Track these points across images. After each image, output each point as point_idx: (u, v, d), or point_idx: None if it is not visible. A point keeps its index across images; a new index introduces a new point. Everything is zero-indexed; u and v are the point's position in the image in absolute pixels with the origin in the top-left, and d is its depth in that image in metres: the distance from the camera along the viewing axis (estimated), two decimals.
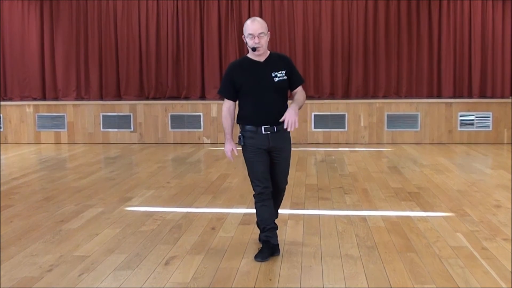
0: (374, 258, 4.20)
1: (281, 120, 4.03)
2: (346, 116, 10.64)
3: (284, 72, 4.15)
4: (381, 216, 5.38)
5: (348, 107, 10.66)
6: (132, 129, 11.05)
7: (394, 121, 10.56)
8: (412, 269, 3.96)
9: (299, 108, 4.14)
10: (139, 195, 6.41)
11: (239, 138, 4.23)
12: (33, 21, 11.82)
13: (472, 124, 10.45)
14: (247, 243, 4.59)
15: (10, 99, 11.85)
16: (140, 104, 11.06)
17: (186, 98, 11.53)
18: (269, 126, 4.12)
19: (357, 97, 11.13)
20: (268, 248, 4.24)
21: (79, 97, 11.81)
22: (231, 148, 4.29)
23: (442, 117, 10.50)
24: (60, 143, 11.13)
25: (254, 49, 4.09)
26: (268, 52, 4.22)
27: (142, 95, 11.72)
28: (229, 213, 5.56)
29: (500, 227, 4.97)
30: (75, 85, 11.81)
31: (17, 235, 4.89)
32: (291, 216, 5.41)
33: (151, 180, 7.31)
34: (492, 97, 10.86)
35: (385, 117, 10.58)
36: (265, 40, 4.09)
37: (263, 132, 4.13)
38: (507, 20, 10.85)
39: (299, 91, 4.28)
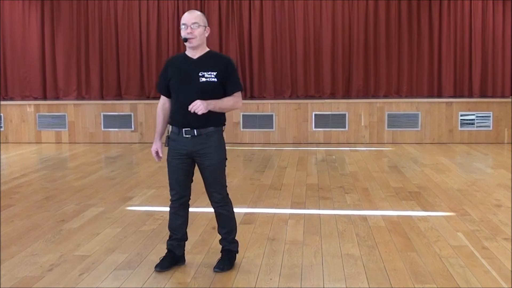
0: (374, 258, 4.20)
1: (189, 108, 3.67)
2: (347, 115, 10.63)
3: (214, 73, 3.74)
4: (382, 215, 5.38)
5: (349, 106, 10.66)
6: (132, 129, 11.05)
7: (395, 121, 10.56)
8: (412, 269, 3.96)
9: (221, 109, 3.77)
10: (139, 195, 6.41)
11: (166, 138, 3.99)
12: (33, 21, 11.82)
13: (473, 124, 10.44)
14: (247, 242, 4.60)
15: (11, 99, 11.86)
16: (141, 104, 11.06)
17: None
18: (189, 129, 3.79)
19: (357, 97, 11.13)
20: (171, 257, 4.05)
21: (79, 97, 11.82)
22: (155, 148, 4.02)
23: (443, 117, 10.50)
24: (61, 143, 11.13)
25: (185, 40, 3.73)
26: (207, 49, 3.86)
27: (143, 95, 11.72)
28: None
29: (501, 226, 4.97)
30: (75, 85, 11.81)
31: (17, 235, 4.89)
32: (291, 215, 5.41)
33: (152, 179, 7.31)
34: (492, 96, 10.86)
35: (386, 117, 10.58)
36: (199, 32, 3.74)
37: (184, 135, 3.82)
38: (508, 20, 10.85)
39: (232, 96, 3.83)
